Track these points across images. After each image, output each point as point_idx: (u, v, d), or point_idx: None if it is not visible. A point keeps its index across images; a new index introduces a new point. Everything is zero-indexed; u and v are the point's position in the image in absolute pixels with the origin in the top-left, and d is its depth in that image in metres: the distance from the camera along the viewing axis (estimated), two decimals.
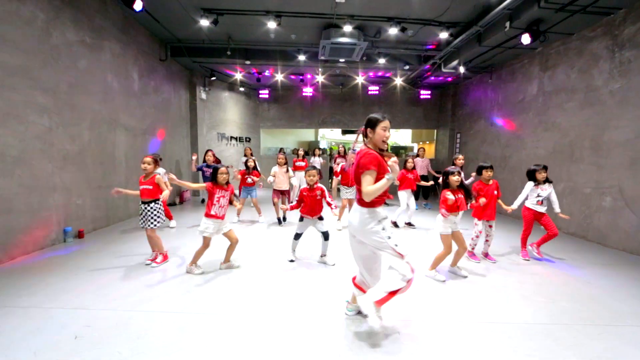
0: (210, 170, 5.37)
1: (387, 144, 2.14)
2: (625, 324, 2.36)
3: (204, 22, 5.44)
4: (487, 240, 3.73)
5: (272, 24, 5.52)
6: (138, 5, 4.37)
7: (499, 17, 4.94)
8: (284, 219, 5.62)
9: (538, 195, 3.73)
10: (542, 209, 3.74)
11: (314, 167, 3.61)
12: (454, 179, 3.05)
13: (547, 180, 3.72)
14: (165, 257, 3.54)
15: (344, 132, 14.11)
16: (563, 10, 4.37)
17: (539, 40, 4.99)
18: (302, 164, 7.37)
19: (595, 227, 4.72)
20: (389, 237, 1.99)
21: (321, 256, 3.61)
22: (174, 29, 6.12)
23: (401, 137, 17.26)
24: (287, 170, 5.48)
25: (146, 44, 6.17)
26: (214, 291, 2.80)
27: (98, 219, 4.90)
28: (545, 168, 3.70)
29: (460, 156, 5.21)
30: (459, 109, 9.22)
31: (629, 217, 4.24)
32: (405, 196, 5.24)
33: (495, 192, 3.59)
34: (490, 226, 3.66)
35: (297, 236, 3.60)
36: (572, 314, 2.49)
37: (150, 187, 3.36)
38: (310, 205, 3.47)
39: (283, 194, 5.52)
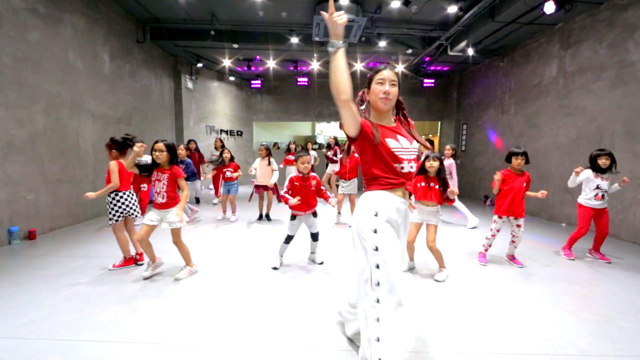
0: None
1: (393, 106, 1.51)
2: None
3: None
4: (512, 241, 3.16)
5: None
6: None
7: None
8: (267, 217, 5.03)
9: (597, 187, 3.12)
10: (601, 205, 3.15)
11: (307, 152, 2.98)
12: (427, 164, 2.73)
13: (609, 168, 3.11)
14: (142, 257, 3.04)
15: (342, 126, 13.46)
16: None
17: (564, 9, 4.34)
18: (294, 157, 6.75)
19: (630, 224, 4.09)
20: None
21: (311, 253, 3.10)
22: (149, 5, 5.47)
23: None
24: (269, 163, 4.84)
25: (119, 22, 5.51)
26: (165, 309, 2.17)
27: (57, 217, 4.26)
28: (609, 155, 3.10)
29: (448, 146, 4.81)
30: (465, 98, 8.57)
31: None
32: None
33: (525, 185, 2.99)
34: (519, 225, 3.06)
35: (289, 239, 2.96)
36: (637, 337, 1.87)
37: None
38: (304, 198, 2.82)
39: (266, 189, 4.89)
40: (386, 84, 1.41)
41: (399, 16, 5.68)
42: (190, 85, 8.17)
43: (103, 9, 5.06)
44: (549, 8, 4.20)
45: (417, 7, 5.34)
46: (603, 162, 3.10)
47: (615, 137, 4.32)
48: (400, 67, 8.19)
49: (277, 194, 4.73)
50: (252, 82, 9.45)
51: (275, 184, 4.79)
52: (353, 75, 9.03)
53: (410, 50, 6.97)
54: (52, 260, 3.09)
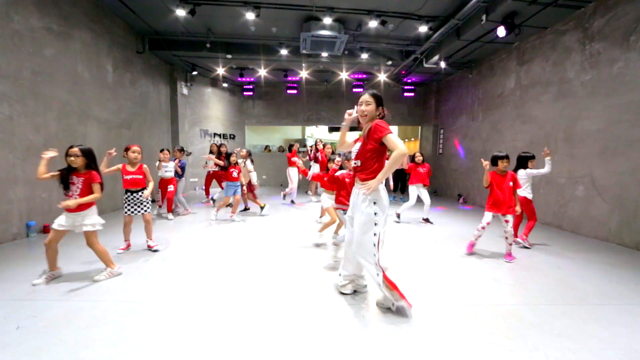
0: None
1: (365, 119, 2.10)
2: (589, 303, 2.37)
3: (180, 12, 5.31)
4: (506, 238, 3.34)
5: (250, 15, 5.43)
6: None
7: (476, 9, 4.99)
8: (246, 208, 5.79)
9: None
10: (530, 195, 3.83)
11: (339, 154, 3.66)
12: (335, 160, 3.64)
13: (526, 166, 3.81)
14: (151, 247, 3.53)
15: (331, 130, 14.09)
16: (536, 2, 4.45)
17: (514, 33, 5.07)
18: (295, 159, 7.34)
19: (570, 216, 4.81)
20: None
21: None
22: (150, 20, 5.96)
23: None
24: (245, 165, 5.48)
25: (121, 35, 5.98)
26: (182, 279, 2.69)
27: None
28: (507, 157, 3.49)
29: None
30: (442, 105, 9.32)
31: (599, 205, 4.33)
32: (415, 191, 5.16)
33: (512, 184, 3.33)
34: (507, 221, 3.29)
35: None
36: (539, 296, 2.50)
37: (140, 176, 3.37)
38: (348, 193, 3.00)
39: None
40: (363, 105, 2.04)
41: (377, 33, 6.32)
42: (185, 91, 8.63)
43: (107, 23, 5.53)
44: (501, 32, 4.92)
45: (392, 25, 6.01)
46: (532, 163, 3.78)
47: (558, 142, 5.05)
48: (383, 77, 8.88)
49: (250, 192, 5.64)
50: (245, 87, 9.97)
51: (249, 182, 5.58)
52: (338, 83, 9.76)
53: (390, 62, 7.64)
54: (64, 252, 3.55)
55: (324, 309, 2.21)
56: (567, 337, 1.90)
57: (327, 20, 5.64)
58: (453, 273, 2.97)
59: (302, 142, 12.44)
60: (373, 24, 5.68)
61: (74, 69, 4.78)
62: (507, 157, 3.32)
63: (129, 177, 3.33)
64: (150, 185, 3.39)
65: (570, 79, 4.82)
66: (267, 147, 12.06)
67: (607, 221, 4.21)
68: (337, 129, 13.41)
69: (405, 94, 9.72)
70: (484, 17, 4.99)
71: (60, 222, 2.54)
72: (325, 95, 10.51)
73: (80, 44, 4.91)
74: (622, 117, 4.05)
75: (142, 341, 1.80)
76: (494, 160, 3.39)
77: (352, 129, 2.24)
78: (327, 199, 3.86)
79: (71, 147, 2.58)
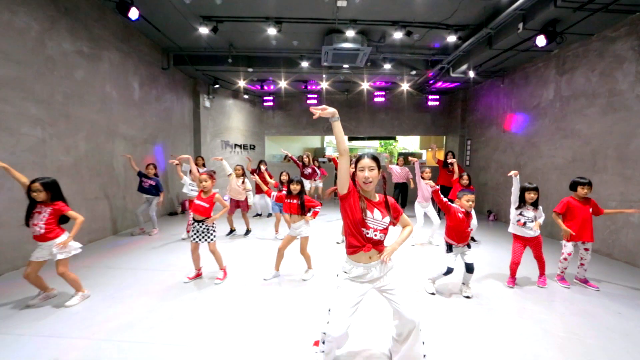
0: (148, 182, 5.15)
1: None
2: None
3: (204, 30, 5.35)
4: (582, 264, 3.34)
5: (272, 31, 5.38)
6: (134, 14, 4.29)
7: (511, 18, 4.63)
8: (248, 231, 5.45)
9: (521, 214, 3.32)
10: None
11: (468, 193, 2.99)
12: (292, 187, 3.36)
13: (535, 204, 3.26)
14: (225, 274, 3.44)
15: (350, 139, 13.87)
16: (582, 9, 4.04)
17: (555, 42, 4.64)
18: (309, 171, 7.23)
19: (623, 244, 4.29)
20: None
21: (462, 284, 3.14)
22: (174, 37, 6.07)
23: (410, 143, 16.99)
24: (244, 182, 5.20)
25: (148, 52, 6.14)
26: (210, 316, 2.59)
27: (94, 230, 4.80)
28: (589, 184, 3.24)
29: (427, 169, 4.82)
30: (469, 114, 8.85)
31: None
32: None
33: (591, 210, 3.24)
34: (586, 249, 3.29)
35: (449, 271, 2.95)
36: (600, 354, 2.15)
37: (207, 205, 3.26)
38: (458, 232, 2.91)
39: (238, 205, 5.30)
40: (365, 170, 1.76)
41: (402, 43, 6.07)
42: (207, 103, 8.77)
43: (134, 42, 5.69)
44: (540, 41, 4.51)
45: (418, 35, 5.74)
46: (530, 196, 3.21)
47: (608, 161, 4.55)
48: (406, 86, 8.57)
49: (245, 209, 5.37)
50: (265, 99, 10.00)
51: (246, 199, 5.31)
52: (359, 93, 9.54)
53: (414, 72, 7.34)
54: (95, 271, 3.58)
55: None
56: None
57: (350, 33, 5.47)
58: (481, 315, 2.66)
59: (322, 152, 12.29)
60: (398, 35, 5.45)
61: (102, 89, 4.92)
62: (589, 184, 3.21)
63: (196, 201, 3.27)
64: (219, 213, 3.30)
65: (623, 91, 4.33)
66: (286, 157, 12.02)
67: None
68: (356, 138, 13.17)
69: (429, 103, 9.32)
70: (520, 26, 4.62)
71: (37, 255, 2.67)
72: (346, 104, 10.32)
73: (109, 64, 5.06)
74: None
75: None
76: (574, 186, 3.28)
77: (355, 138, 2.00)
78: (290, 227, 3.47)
79: (33, 181, 2.62)
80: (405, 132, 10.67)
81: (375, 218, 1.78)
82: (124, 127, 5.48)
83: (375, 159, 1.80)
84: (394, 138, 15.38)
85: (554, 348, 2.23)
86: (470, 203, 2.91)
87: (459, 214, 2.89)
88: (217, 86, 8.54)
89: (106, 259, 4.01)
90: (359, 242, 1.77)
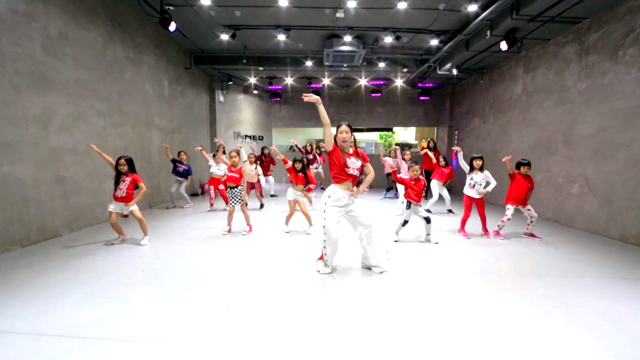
0: (182, 166, 6.23)
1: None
2: (566, 276, 3.02)
3: (224, 36, 6.35)
4: (531, 221, 4.29)
5: (281, 36, 6.37)
6: (172, 27, 5.30)
7: (481, 26, 5.58)
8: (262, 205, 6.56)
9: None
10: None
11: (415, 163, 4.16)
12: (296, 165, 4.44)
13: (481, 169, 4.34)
14: (250, 228, 4.52)
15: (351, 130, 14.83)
16: (534, 20, 4.99)
17: (516, 46, 5.59)
18: (311, 157, 8.27)
19: (566, 212, 5.31)
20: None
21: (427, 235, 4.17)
22: (198, 41, 7.08)
23: (408, 134, 17.99)
24: (256, 167, 6.13)
25: (174, 55, 7.16)
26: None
27: (139, 203, 5.89)
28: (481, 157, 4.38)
29: (408, 151, 6.24)
30: (457, 107, 9.79)
31: (592, 201, 4.82)
32: (436, 187, 6.11)
33: (529, 185, 4.16)
34: (529, 209, 4.20)
35: (405, 223, 4.09)
36: (523, 270, 3.20)
37: (237, 175, 4.38)
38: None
39: (253, 187, 6.43)
40: (343, 133, 2.85)
41: (393, 45, 7.03)
42: (221, 98, 9.80)
43: (164, 47, 6.71)
44: (503, 46, 5.48)
45: (407, 38, 6.69)
46: (477, 163, 4.28)
47: (558, 145, 5.53)
48: (399, 82, 9.52)
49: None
50: (272, 93, 11.00)
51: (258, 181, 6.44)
52: (358, 88, 10.52)
53: (405, 69, 8.30)
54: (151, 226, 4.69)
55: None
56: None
57: (347, 38, 6.45)
58: (446, 253, 3.73)
59: (323, 142, 13.27)
60: (389, 39, 6.41)
61: (142, 87, 5.97)
62: (529, 163, 4.20)
63: (229, 173, 4.41)
64: (244, 185, 4.39)
65: (569, 87, 5.29)
66: (291, 147, 13.05)
67: (598, 216, 4.71)
68: (355, 130, 14.12)
69: (421, 97, 10.27)
70: (488, 33, 5.58)
71: (113, 208, 3.79)
72: (346, 99, 11.29)
73: (147, 66, 6.10)
74: (611, 123, 4.53)
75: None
76: (518, 166, 4.21)
77: (355, 130, 3.03)
78: (292, 193, 4.50)
79: (120, 158, 3.76)
80: (400, 124, 11.65)
81: (352, 161, 2.88)
82: (158, 119, 6.55)
83: (349, 126, 2.89)
84: (390, 129, 16.36)
85: (487, 268, 3.30)
86: (414, 172, 4.04)
87: (412, 182, 4.04)
88: (230, 83, 9.56)
89: (155, 221, 5.13)
90: (344, 176, 2.85)
